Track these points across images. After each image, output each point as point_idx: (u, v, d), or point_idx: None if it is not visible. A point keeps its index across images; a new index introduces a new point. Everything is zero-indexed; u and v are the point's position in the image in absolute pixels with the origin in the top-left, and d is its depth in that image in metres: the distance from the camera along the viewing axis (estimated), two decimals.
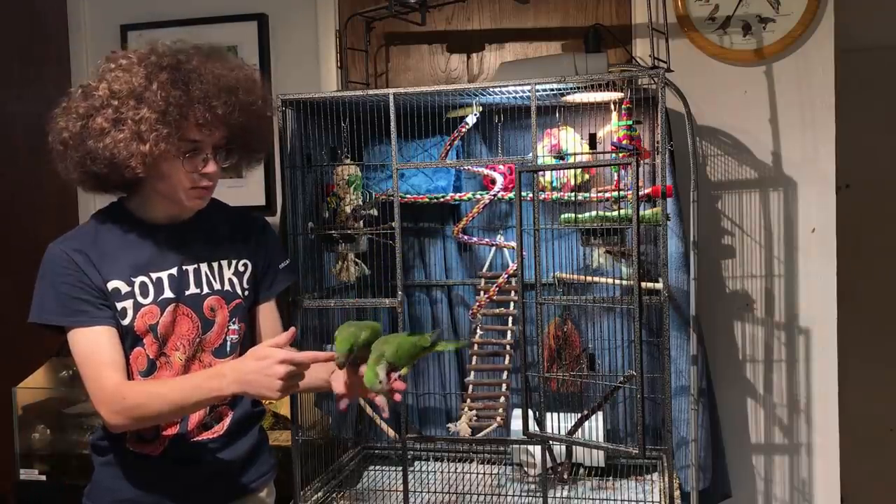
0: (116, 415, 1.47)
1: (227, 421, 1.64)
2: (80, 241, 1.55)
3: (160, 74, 1.48)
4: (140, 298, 1.55)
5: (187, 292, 1.60)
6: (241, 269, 1.68)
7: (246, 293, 1.68)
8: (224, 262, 1.66)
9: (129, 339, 1.54)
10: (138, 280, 1.55)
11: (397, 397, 1.55)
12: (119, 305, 1.53)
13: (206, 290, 1.62)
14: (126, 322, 1.53)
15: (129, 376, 1.54)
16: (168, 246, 1.60)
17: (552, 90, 1.99)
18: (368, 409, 2.25)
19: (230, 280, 1.66)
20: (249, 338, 1.71)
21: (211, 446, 1.62)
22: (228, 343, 1.64)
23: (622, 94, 2.00)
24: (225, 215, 1.71)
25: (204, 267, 1.63)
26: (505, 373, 2.23)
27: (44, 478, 2.39)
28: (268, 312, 1.74)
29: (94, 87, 1.49)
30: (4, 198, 2.60)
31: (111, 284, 1.53)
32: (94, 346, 1.50)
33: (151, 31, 2.61)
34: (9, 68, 2.64)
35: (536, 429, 1.83)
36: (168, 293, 1.57)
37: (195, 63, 1.52)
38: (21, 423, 2.41)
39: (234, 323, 1.65)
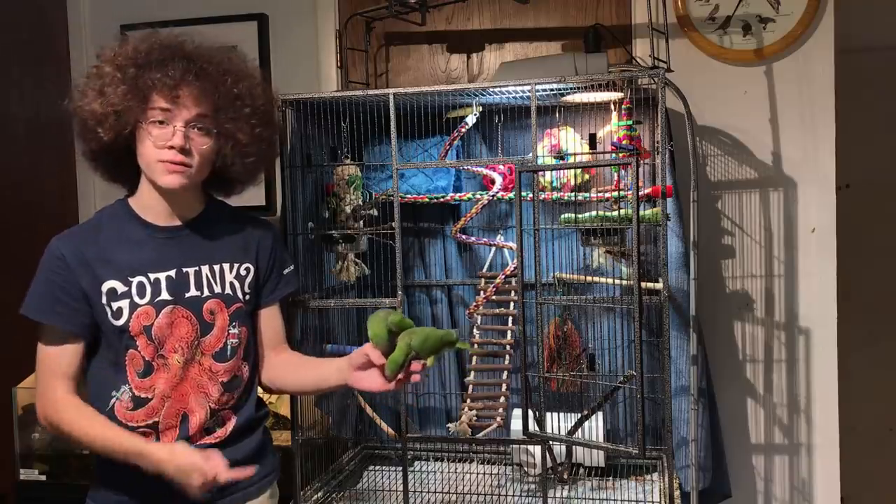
0: (45, 420, 1.54)
1: (230, 426, 1.63)
2: (81, 238, 1.55)
3: (141, 44, 1.52)
4: (136, 298, 1.54)
5: (187, 294, 1.58)
6: (242, 272, 1.67)
7: (247, 297, 1.67)
8: (226, 266, 1.64)
9: (123, 339, 1.54)
10: (136, 280, 1.54)
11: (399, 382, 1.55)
12: (115, 305, 1.53)
13: (206, 292, 1.61)
14: (121, 322, 1.53)
15: (126, 377, 1.54)
16: (168, 247, 1.59)
17: (552, 90, 2.00)
18: (368, 409, 2.25)
19: (231, 283, 1.64)
20: (252, 342, 1.70)
21: (214, 449, 1.61)
22: (229, 347, 1.63)
23: (622, 94, 2.00)
24: (229, 218, 1.70)
25: (205, 269, 1.62)
26: (505, 373, 2.23)
27: (44, 478, 2.38)
28: (270, 317, 1.73)
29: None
30: (4, 197, 2.59)
31: (107, 285, 1.53)
32: (58, 351, 1.53)
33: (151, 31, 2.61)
34: (9, 68, 2.63)
35: (536, 429, 1.83)
36: (165, 295, 1.56)
37: (183, 38, 1.56)
38: (21, 423, 2.40)
39: (234, 327, 1.64)
